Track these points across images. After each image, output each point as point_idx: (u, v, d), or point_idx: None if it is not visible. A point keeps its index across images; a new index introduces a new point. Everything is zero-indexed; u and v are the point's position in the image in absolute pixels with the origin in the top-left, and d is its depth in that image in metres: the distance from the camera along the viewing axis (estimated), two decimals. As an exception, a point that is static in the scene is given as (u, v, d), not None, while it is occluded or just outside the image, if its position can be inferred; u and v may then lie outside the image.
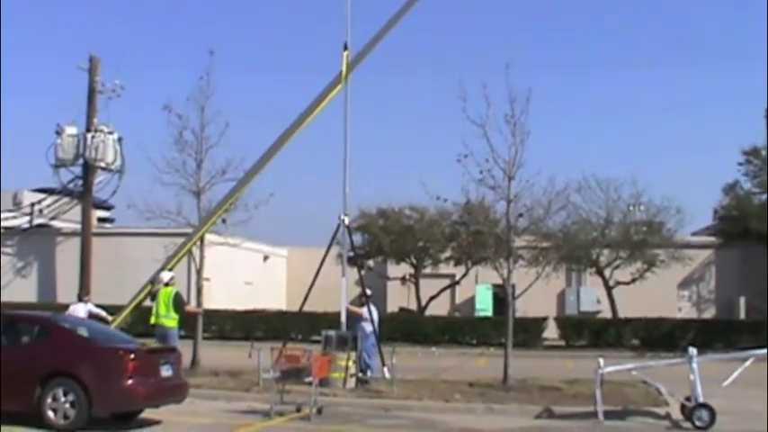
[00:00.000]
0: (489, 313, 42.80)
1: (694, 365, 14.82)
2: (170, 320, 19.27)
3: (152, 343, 17.47)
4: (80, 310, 21.46)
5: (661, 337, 35.08)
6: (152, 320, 19.39)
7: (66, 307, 22.57)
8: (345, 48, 20.83)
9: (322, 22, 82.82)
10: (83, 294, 23.78)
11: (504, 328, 20.50)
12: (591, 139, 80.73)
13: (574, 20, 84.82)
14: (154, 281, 20.53)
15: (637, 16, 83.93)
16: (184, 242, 22.01)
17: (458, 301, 45.85)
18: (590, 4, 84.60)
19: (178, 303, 19.42)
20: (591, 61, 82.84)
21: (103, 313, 21.80)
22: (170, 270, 20.78)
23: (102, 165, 36.90)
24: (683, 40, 79.20)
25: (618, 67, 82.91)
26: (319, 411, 15.11)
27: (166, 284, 19.71)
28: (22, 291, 39.85)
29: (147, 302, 20.64)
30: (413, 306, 42.01)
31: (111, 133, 36.75)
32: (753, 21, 78.43)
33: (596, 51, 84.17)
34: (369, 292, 21.17)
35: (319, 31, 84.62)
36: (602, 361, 15.51)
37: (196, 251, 22.19)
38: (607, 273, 38.41)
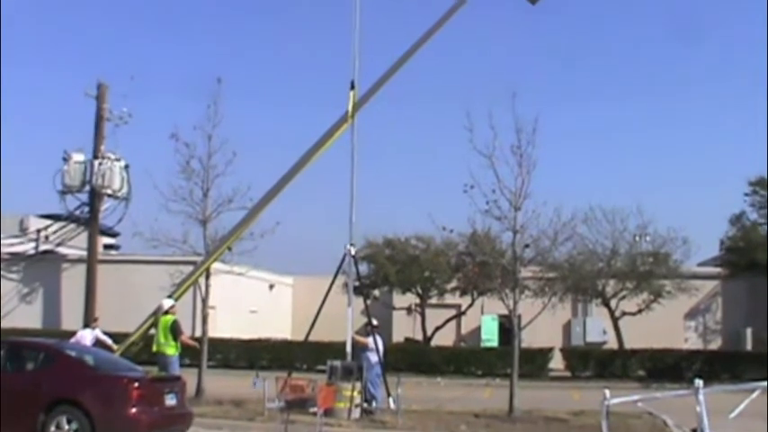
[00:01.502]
0: (495, 344, 42.57)
1: (701, 397, 14.68)
2: (170, 348, 19.34)
3: (155, 371, 17.44)
4: (87, 336, 21.50)
5: (667, 368, 34.83)
6: (153, 348, 19.47)
7: (71, 334, 22.55)
8: (352, 87, 20.84)
9: (330, 52, 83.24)
10: (91, 321, 23.79)
11: (509, 359, 20.43)
12: (596, 168, 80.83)
13: (579, 48, 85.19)
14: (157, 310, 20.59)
15: (642, 45, 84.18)
16: (191, 273, 22.02)
17: (463, 331, 45.62)
18: (594, 33, 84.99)
19: (175, 331, 19.47)
20: (595, 90, 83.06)
21: (109, 341, 21.82)
22: (176, 299, 20.82)
23: (109, 192, 37.07)
24: (689, 67, 79.49)
25: (622, 96, 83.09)
26: (324, 441, 15.04)
27: (166, 312, 19.78)
28: (27, 317, 39.69)
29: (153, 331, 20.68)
30: (418, 336, 41.85)
31: (117, 160, 36.97)
32: (756, 50, 78.62)
33: (601, 80, 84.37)
34: (375, 322, 21.11)
35: (327, 61, 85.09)
36: (608, 392, 15.37)
37: (201, 280, 22.18)
38: (613, 303, 38.26)
